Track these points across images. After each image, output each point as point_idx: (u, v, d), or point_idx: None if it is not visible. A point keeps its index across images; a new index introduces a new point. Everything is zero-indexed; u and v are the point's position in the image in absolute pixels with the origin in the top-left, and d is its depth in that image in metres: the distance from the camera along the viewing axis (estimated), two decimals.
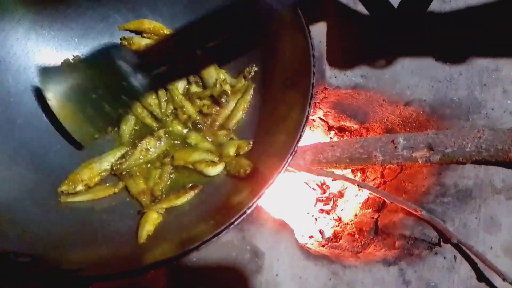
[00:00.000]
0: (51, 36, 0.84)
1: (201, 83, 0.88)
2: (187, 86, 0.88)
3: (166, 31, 0.89)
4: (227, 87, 0.85)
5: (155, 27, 0.89)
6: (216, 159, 0.78)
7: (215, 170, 0.77)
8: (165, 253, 0.59)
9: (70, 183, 0.76)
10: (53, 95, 0.75)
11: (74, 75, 0.78)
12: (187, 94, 0.87)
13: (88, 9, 0.86)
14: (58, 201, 0.75)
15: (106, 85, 0.77)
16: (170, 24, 0.90)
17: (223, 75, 0.87)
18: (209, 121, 0.84)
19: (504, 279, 0.77)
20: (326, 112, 1.08)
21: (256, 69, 0.85)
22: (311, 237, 1.03)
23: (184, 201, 0.74)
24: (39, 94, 0.79)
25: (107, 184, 0.80)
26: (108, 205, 0.76)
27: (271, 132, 0.76)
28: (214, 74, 0.86)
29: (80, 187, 0.77)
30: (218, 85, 0.85)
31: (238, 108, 0.84)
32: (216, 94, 0.84)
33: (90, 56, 0.84)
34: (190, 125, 0.83)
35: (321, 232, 1.05)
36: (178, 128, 0.83)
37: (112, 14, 0.88)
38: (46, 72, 0.79)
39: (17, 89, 0.80)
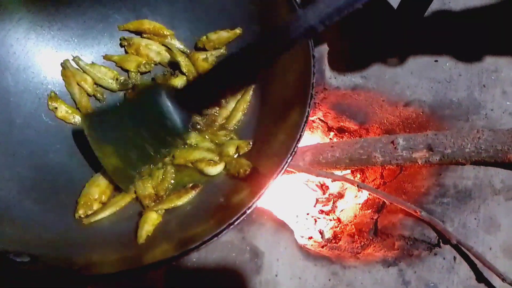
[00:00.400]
0: (51, 36, 0.84)
1: None
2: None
3: (166, 32, 0.89)
4: None
5: (155, 27, 0.89)
6: (217, 158, 0.77)
7: (215, 169, 0.77)
8: (165, 253, 0.59)
9: (84, 206, 0.74)
10: (95, 138, 0.73)
11: (116, 117, 0.76)
12: None
13: (88, 9, 0.85)
14: (57, 200, 0.75)
15: (148, 126, 0.73)
16: (170, 23, 0.89)
17: None
18: (209, 122, 0.84)
19: (503, 279, 0.77)
20: (325, 112, 1.08)
21: None
22: (310, 238, 1.03)
23: (185, 201, 0.74)
24: (77, 136, 0.80)
25: (121, 193, 0.77)
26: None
27: (271, 133, 0.75)
28: None
29: (96, 206, 0.75)
30: None
31: (238, 108, 0.84)
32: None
33: (133, 98, 0.84)
34: (189, 126, 0.83)
35: (321, 233, 1.05)
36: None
37: (112, 14, 0.88)
38: (89, 117, 0.78)
39: (16, 89, 0.79)
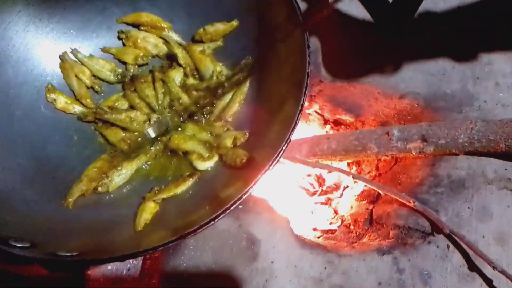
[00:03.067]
0: (50, 28, 0.85)
1: (197, 76, 0.89)
2: (184, 79, 0.89)
3: (164, 24, 0.90)
4: (223, 79, 0.86)
5: (153, 20, 0.90)
6: (207, 155, 0.78)
7: (203, 165, 0.78)
8: (162, 239, 0.60)
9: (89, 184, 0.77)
10: None
11: None
12: (184, 86, 0.88)
13: (86, 2, 0.86)
14: (57, 190, 0.76)
15: None
16: (168, 16, 0.91)
17: (219, 67, 0.88)
18: (206, 113, 0.85)
19: (494, 267, 0.78)
20: (322, 105, 1.10)
21: (251, 61, 0.86)
22: (306, 229, 1.04)
23: (183, 189, 0.75)
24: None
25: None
26: (107, 195, 0.77)
27: (267, 123, 0.77)
28: (210, 66, 0.87)
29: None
30: (214, 77, 0.86)
31: (235, 100, 0.85)
32: (212, 86, 0.85)
33: None
34: (186, 116, 0.84)
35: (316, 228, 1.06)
36: (175, 119, 0.85)
37: (110, 6, 0.89)
38: None
39: (16, 81, 0.80)
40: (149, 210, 0.72)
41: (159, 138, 0.82)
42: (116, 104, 0.86)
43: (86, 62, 0.87)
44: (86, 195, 0.76)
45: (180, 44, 0.90)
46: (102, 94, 0.89)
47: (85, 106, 0.86)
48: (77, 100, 0.86)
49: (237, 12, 0.86)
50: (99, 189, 0.76)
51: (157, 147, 0.80)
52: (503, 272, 0.78)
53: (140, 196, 0.76)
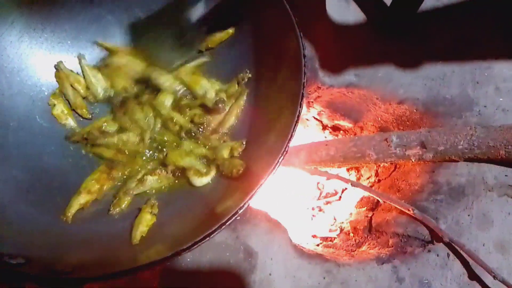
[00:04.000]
0: (44, 38, 0.84)
1: (189, 96, 0.87)
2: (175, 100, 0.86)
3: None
4: (223, 95, 0.84)
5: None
6: (204, 171, 0.77)
7: (201, 181, 0.76)
8: (159, 254, 0.60)
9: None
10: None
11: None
12: (177, 106, 0.85)
13: (81, 11, 0.86)
14: (53, 203, 0.75)
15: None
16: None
17: (217, 85, 0.86)
18: (202, 128, 0.84)
19: (494, 276, 0.78)
20: (320, 111, 1.09)
21: (250, 75, 0.84)
22: (302, 239, 1.03)
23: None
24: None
25: None
26: (102, 206, 0.77)
27: (264, 132, 0.76)
28: (206, 85, 0.85)
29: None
30: (210, 95, 0.84)
31: (232, 113, 0.83)
32: (210, 103, 0.83)
33: None
34: (183, 135, 0.83)
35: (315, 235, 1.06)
36: (170, 138, 0.83)
37: (105, 15, 0.88)
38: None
39: (10, 92, 0.80)
40: (146, 222, 0.71)
41: (155, 155, 0.81)
42: (105, 124, 0.83)
43: (86, 70, 0.86)
44: (85, 209, 0.75)
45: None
46: (96, 104, 0.88)
47: (80, 116, 0.85)
48: (73, 110, 0.85)
49: (232, 20, 0.85)
50: (112, 211, 0.75)
51: (153, 165, 0.79)
52: (503, 281, 0.78)
53: (136, 207, 0.75)
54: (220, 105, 0.82)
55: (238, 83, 0.85)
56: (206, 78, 0.87)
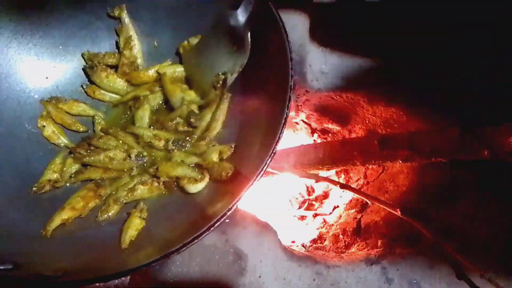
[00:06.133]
0: (33, 44, 0.84)
1: (165, 106, 0.88)
2: (152, 117, 0.87)
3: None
4: (193, 107, 0.85)
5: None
6: (199, 177, 0.76)
7: (196, 187, 0.76)
8: (148, 257, 0.60)
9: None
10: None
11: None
12: (157, 121, 0.86)
13: (70, 17, 0.86)
14: (41, 209, 0.75)
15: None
16: (152, 29, 0.90)
17: (189, 96, 0.86)
18: (189, 138, 0.83)
19: (481, 275, 0.79)
20: (308, 114, 1.10)
21: (223, 77, 0.83)
22: (293, 242, 1.04)
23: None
24: None
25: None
26: (91, 212, 0.76)
27: (252, 135, 0.76)
28: (180, 95, 0.86)
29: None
30: (184, 106, 0.84)
31: (218, 120, 0.83)
32: (183, 115, 0.84)
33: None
34: (171, 146, 0.82)
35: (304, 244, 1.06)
36: (158, 153, 0.84)
37: (94, 21, 0.88)
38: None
39: None
40: (135, 226, 0.71)
41: (146, 169, 0.81)
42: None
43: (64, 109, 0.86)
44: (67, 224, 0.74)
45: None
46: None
47: (76, 131, 0.86)
48: (67, 129, 0.86)
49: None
50: (99, 218, 0.75)
51: (144, 179, 0.79)
52: (490, 280, 0.78)
53: (125, 212, 0.75)
54: (192, 118, 0.82)
55: (214, 88, 0.84)
56: (181, 88, 0.87)
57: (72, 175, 0.80)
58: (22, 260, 0.62)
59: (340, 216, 1.04)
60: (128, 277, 0.80)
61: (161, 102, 0.88)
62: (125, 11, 0.88)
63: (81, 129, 0.86)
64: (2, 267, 0.59)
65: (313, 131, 1.15)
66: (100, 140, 0.82)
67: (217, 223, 0.60)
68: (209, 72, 0.84)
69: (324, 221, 1.07)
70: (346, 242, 0.94)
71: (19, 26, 0.82)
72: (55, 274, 0.59)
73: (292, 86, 0.70)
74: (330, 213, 1.08)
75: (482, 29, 0.94)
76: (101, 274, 0.58)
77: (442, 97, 1.00)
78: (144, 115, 0.85)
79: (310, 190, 1.15)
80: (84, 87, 0.89)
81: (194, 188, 0.76)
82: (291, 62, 0.71)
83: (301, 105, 1.07)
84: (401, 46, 1.04)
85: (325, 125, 1.10)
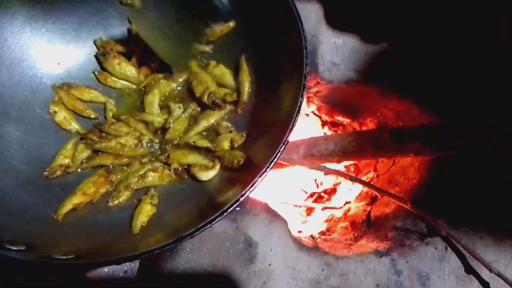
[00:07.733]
0: (46, 29, 0.84)
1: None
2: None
3: None
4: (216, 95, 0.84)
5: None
6: (210, 164, 0.77)
7: (207, 175, 0.76)
8: (158, 242, 0.60)
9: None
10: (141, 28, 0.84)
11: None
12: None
13: (82, 3, 0.86)
14: (52, 193, 0.76)
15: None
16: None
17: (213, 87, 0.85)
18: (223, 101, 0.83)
19: (490, 270, 0.78)
20: (319, 106, 1.09)
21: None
22: (299, 231, 1.04)
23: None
24: None
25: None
26: (102, 197, 0.77)
27: (265, 124, 0.76)
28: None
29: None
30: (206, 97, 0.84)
31: (243, 81, 0.83)
32: (209, 103, 0.83)
33: None
34: (206, 101, 0.82)
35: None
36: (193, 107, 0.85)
37: (106, 8, 0.88)
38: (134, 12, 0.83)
39: (11, 82, 0.80)
40: (146, 212, 0.72)
41: (157, 156, 0.81)
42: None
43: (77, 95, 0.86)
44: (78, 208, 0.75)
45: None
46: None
47: (88, 117, 0.86)
48: (78, 114, 0.85)
49: (234, 12, 0.86)
50: (110, 203, 0.75)
51: (155, 165, 0.79)
52: (499, 274, 0.78)
53: (136, 198, 0.75)
54: (218, 102, 0.82)
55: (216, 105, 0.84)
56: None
57: (84, 161, 0.80)
58: (34, 242, 0.63)
59: (349, 209, 1.04)
60: (138, 264, 0.80)
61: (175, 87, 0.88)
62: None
63: (93, 116, 0.86)
64: (15, 248, 0.59)
65: (323, 123, 1.15)
66: (111, 127, 0.82)
67: (230, 209, 0.60)
68: (179, 41, 0.86)
69: (333, 214, 1.07)
70: (355, 235, 0.94)
71: (32, 11, 0.82)
72: (67, 256, 0.60)
73: (306, 74, 0.69)
74: (341, 207, 1.08)
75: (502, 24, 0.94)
76: (112, 257, 0.58)
77: (454, 90, 0.99)
78: (154, 100, 0.85)
79: (318, 183, 1.15)
80: (96, 73, 0.89)
81: (205, 175, 0.76)
82: (306, 51, 0.71)
83: (312, 97, 1.07)
84: (414, 39, 1.04)
85: (335, 117, 1.10)
